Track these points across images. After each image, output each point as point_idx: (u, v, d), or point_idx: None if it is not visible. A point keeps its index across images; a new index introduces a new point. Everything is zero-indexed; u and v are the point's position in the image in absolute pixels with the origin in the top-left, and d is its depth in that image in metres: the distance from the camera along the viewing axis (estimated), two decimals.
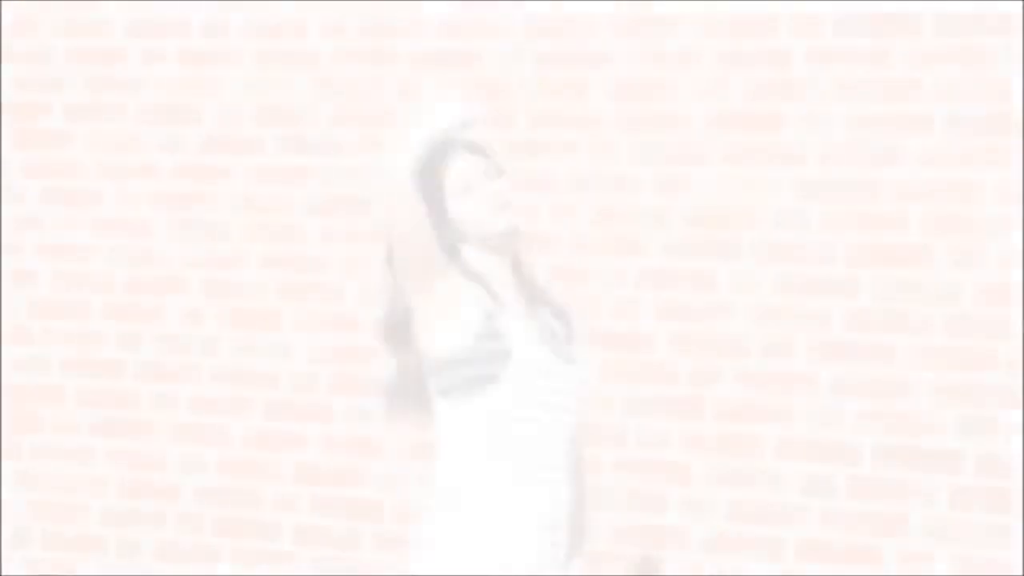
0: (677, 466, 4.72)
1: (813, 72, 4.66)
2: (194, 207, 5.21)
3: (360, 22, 5.10)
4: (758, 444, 4.64)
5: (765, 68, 4.71)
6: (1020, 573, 4.39)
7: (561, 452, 2.90)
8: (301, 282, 5.09)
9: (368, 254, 5.03)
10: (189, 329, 5.18)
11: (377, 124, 5.05)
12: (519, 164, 4.85)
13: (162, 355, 5.20)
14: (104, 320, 5.27)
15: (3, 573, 5.29)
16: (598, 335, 4.71)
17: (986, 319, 4.47)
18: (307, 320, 5.07)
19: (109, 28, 5.34)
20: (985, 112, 4.50)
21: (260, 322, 5.12)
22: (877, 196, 4.59)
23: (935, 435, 4.50)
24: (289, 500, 5.06)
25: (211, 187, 5.20)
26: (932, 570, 4.47)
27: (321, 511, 5.04)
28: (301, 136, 5.13)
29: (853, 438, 4.57)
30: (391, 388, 3.11)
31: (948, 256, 4.51)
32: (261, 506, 5.08)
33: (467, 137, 2.99)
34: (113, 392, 5.24)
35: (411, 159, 2.75)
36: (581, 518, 3.07)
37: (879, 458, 4.54)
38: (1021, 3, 4.47)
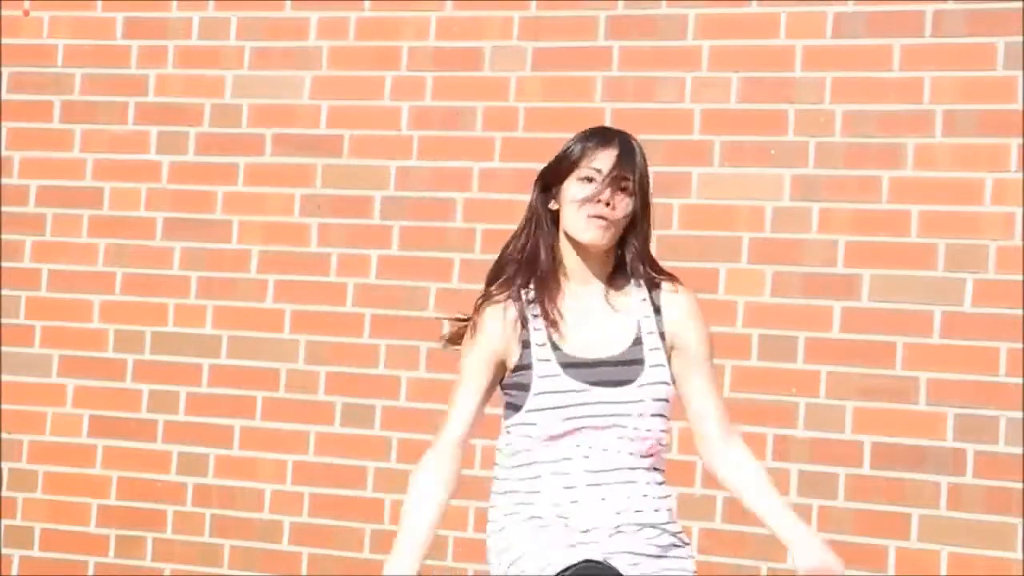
0: (678, 466, 4.71)
1: (813, 72, 4.66)
2: (194, 207, 5.21)
3: (360, 22, 5.10)
4: (758, 444, 4.64)
5: (765, 68, 4.72)
6: (1020, 573, 4.39)
7: (588, 476, 2.93)
8: (301, 282, 5.09)
9: (368, 254, 5.04)
10: (189, 329, 5.18)
11: (377, 124, 5.05)
12: (519, 164, 4.85)
13: (162, 355, 5.20)
14: (104, 320, 5.27)
15: (3, 573, 5.29)
16: None
17: (986, 319, 4.47)
18: (307, 320, 5.07)
19: (109, 28, 5.34)
20: (985, 112, 4.50)
21: (260, 322, 5.12)
22: (877, 196, 4.59)
23: (935, 435, 4.50)
24: (289, 500, 5.06)
25: (211, 187, 5.20)
26: (932, 570, 4.46)
27: (321, 511, 5.03)
28: (301, 136, 5.13)
29: (853, 438, 4.57)
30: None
31: (948, 256, 4.51)
32: (261, 506, 5.08)
33: None
34: (113, 392, 5.24)
35: None
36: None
37: (879, 458, 4.54)
38: (1021, 3, 4.47)
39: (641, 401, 2.95)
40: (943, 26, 4.55)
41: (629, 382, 2.95)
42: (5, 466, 5.33)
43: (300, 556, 5.04)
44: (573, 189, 2.95)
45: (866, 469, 4.55)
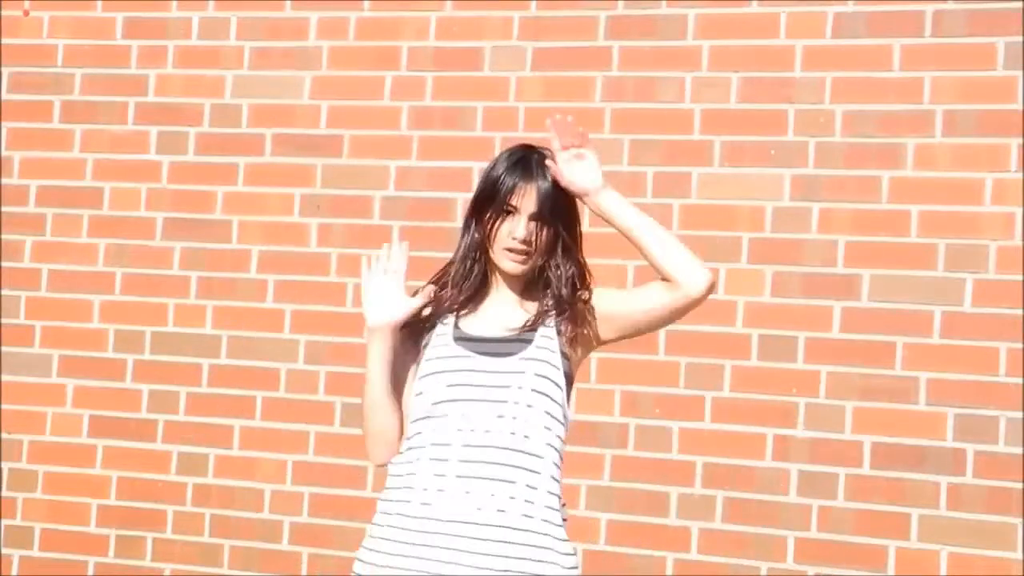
0: (677, 465, 4.72)
1: (813, 72, 4.66)
2: (194, 207, 5.21)
3: (360, 22, 5.10)
4: (758, 444, 4.64)
5: (765, 68, 4.72)
6: (1020, 573, 4.39)
7: (461, 445, 2.99)
8: (301, 282, 5.09)
9: (368, 254, 5.03)
10: (189, 329, 5.18)
11: (377, 124, 5.05)
12: None
13: (162, 355, 5.20)
14: (104, 320, 5.27)
15: (3, 573, 5.29)
16: None
17: (986, 319, 4.47)
18: (307, 320, 5.07)
19: (109, 28, 5.34)
20: (985, 112, 4.51)
21: (260, 322, 5.12)
22: (877, 196, 4.59)
23: (935, 435, 4.50)
24: (289, 500, 5.06)
25: (211, 187, 5.20)
26: (932, 570, 4.47)
27: (321, 511, 5.03)
28: (301, 136, 5.13)
29: (853, 438, 4.57)
30: None
31: (948, 256, 4.51)
32: (261, 506, 5.08)
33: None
34: (113, 392, 5.24)
35: None
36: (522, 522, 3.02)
37: (879, 458, 4.54)
38: (1021, 3, 4.47)
39: (521, 373, 3.02)
40: (943, 26, 4.55)
41: (511, 354, 3.05)
42: (5, 466, 5.34)
43: (300, 556, 5.04)
44: (495, 224, 3.12)
45: (866, 469, 4.55)
